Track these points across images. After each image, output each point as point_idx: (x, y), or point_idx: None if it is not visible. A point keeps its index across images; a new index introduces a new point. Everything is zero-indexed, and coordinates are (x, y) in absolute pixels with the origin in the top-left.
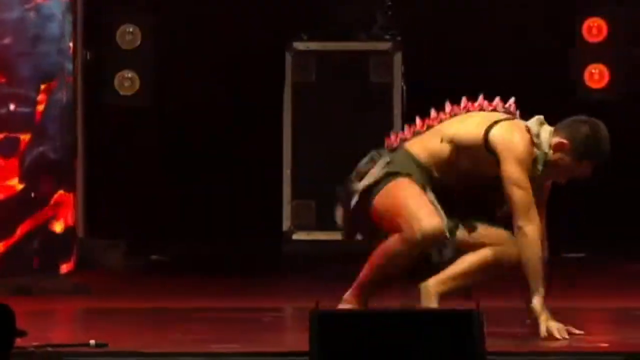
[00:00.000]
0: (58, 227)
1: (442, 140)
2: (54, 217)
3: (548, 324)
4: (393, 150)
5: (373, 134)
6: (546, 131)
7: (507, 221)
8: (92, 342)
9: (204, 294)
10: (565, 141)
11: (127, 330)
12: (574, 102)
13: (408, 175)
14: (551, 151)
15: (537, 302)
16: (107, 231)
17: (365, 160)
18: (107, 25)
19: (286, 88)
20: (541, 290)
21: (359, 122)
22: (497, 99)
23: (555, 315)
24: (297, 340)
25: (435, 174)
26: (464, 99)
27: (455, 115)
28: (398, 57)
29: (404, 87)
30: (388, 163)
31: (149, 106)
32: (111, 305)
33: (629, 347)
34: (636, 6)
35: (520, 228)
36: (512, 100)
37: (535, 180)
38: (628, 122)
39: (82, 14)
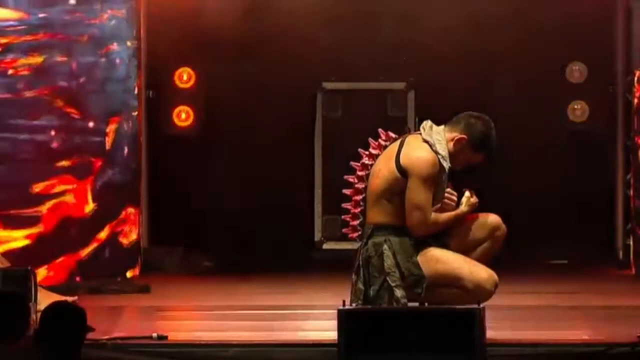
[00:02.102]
0: (125, 238)
1: (382, 197)
2: (122, 230)
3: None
4: (369, 236)
5: None
6: (439, 133)
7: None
8: (154, 334)
9: (247, 293)
10: (463, 136)
11: (184, 324)
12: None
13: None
14: (451, 144)
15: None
16: (166, 240)
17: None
18: (166, 68)
19: (317, 121)
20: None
21: None
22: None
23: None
24: (328, 331)
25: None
26: (364, 154)
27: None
28: (411, 95)
29: (417, 120)
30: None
31: (201, 136)
32: (170, 303)
33: (607, 339)
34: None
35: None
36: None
37: (446, 173)
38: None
39: (145, 58)
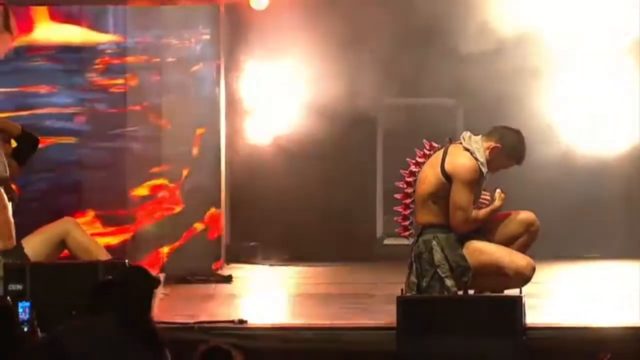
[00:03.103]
0: (210, 235)
1: (429, 200)
2: (207, 228)
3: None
4: (419, 234)
5: None
6: (477, 142)
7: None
8: (235, 319)
9: (318, 283)
10: (498, 145)
11: (262, 310)
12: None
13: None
14: (487, 152)
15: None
16: (246, 236)
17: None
18: (243, 85)
19: (379, 132)
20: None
21: None
22: (426, 144)
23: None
24: (388, 317)
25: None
26: (411, 163)
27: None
28: (460, 110)
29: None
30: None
31: (275, 144)
32: (249, 291)
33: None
34: None
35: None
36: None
37: (485, 178)
38: None
39: (225, 76)
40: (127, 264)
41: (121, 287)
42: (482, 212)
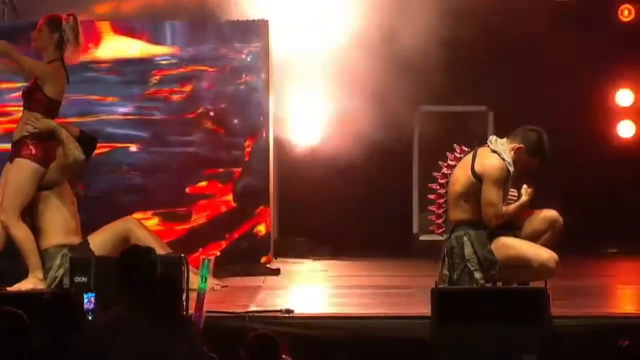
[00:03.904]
0: (260, 231)
1: (460, 199)
2: (257, 225)
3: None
4: (452, 231)
5: None
6: (502, 144)
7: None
8: (283, 308)
9: (359, 275)
10: (521, 145)
11: (307, 299)
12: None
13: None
14: (512, 153)
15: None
16: (292, 232)
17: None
18: (288, 94)
19: (415, 137)
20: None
21: None
22: (457, 148)
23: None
24: (423, 307)
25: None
26: (443, 165)
27: (452, 171)
28: (491, 116)
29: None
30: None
31: (321, 148)
32: (296, 283)
33: None
34: None
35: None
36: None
37: (512, 176)
38: None
39: (273, 86)
40: (183, 258)
41: (133, 271)
42: (512, 207)
